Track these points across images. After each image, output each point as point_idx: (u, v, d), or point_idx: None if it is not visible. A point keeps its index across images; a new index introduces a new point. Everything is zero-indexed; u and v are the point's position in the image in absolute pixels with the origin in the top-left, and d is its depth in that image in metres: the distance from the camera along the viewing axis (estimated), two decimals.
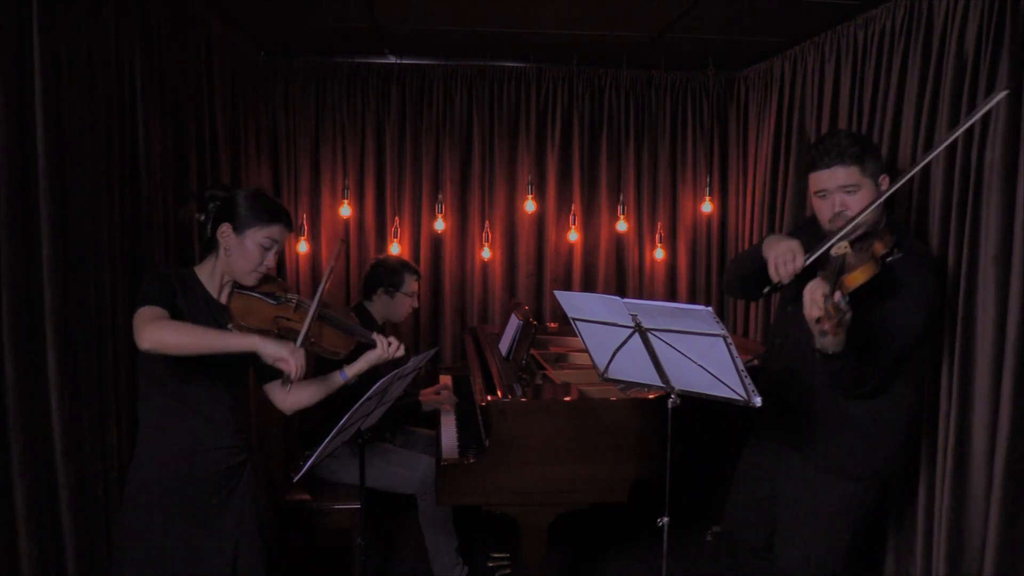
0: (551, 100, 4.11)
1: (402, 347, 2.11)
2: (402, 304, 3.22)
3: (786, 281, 1.91)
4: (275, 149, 3.97)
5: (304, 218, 3.99)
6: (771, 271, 1.93)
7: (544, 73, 4.08)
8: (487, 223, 4.15)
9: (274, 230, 1.96)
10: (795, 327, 2.10)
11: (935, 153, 1.95)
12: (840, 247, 1.80)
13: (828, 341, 1.67)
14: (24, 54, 1.91)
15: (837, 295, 1.62)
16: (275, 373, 2.02)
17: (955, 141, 2.34)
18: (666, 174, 4.23)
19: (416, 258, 4.14)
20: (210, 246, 1.99)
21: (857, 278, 1.73)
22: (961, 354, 2.30)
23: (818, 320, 1.64)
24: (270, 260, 1.98)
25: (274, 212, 1.97)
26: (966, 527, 2.31)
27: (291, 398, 2.13)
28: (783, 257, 1.90)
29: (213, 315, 1.96)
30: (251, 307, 1.98)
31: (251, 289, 2.01)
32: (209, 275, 2.00)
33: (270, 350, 1.78)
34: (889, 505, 2.67)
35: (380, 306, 3.20)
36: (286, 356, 1.78)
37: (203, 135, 2.95)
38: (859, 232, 1.89)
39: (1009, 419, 2.14)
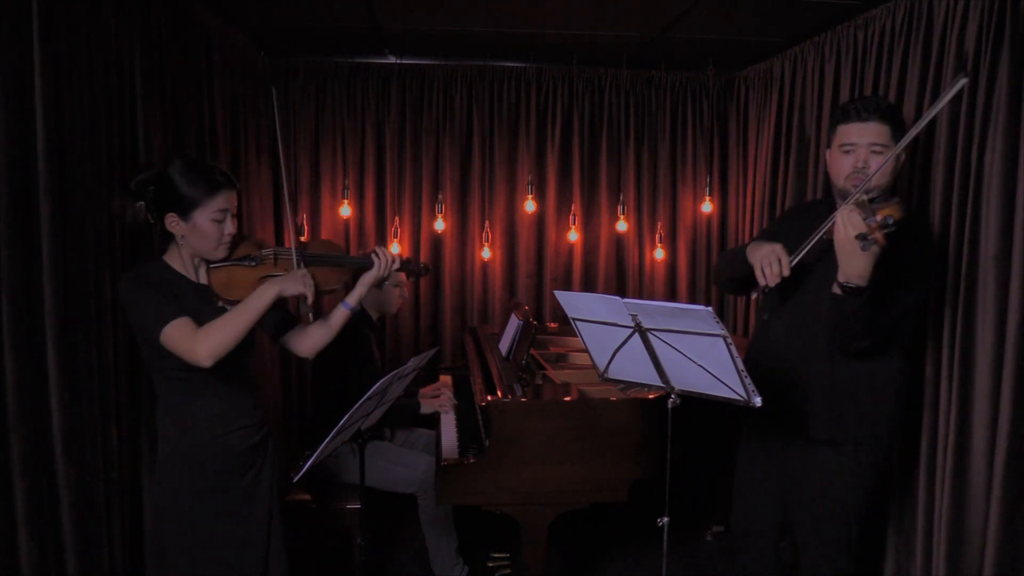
0: (551, 100, 4.11)
1: (399, 258, 2.11)
2: (390, 295, 3.25)
3: (772, 284, 1.94)
4: (275, 149, 3.97)
5: (304, 218, 3.99)
6: (758, 276, 1.95)
7: (544, 73, 4.08)
8: (487, 223, 4.15)
9: (219, 199, 1.89)
10: (786, 302, 2.14)
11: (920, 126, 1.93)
12: (860, 198, 1.82)
13: (865, 261, 1.75)
14: (24, 54, 1.91)
15: (879, 216, 1.69)
16: (285, 325, 2.09)
17: (955, 141, 2.34)
18: (666, 174, 4.23)
19: (416, 258, 4.14)
20: (167, 234, 1.92)
21: (894, 212, 1.74)
22: (961, 354, 2.30)
23: (860, 236, 1.70)
24: (229, 228, 1.92)
25: (211, 181, 1.88)
26: (966, 527, 2.31)
27: (307, 341, 2.13)
28: (767, 259, 1.93)
29: (201, 297, 1.92)
30: (233, 278, 1.94)
31: (225, 260, 1.96)
32: (180, 262, 1.95)
33: (290, 288, 1.86)
34: (889, 504, 2.67)
35: (371, 298, 3.20)
36: (303, 288, 1.86)
37: (203, 135, 2.95)
38: (872, 196, 1.90)
39: (1009, 419, 2.14)
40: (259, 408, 2.06)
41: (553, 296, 4.00)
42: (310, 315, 1.94)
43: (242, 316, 1.81)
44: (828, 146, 2.13)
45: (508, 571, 3.15)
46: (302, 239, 1.88)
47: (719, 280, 2.40)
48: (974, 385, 2.28)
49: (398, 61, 4.00)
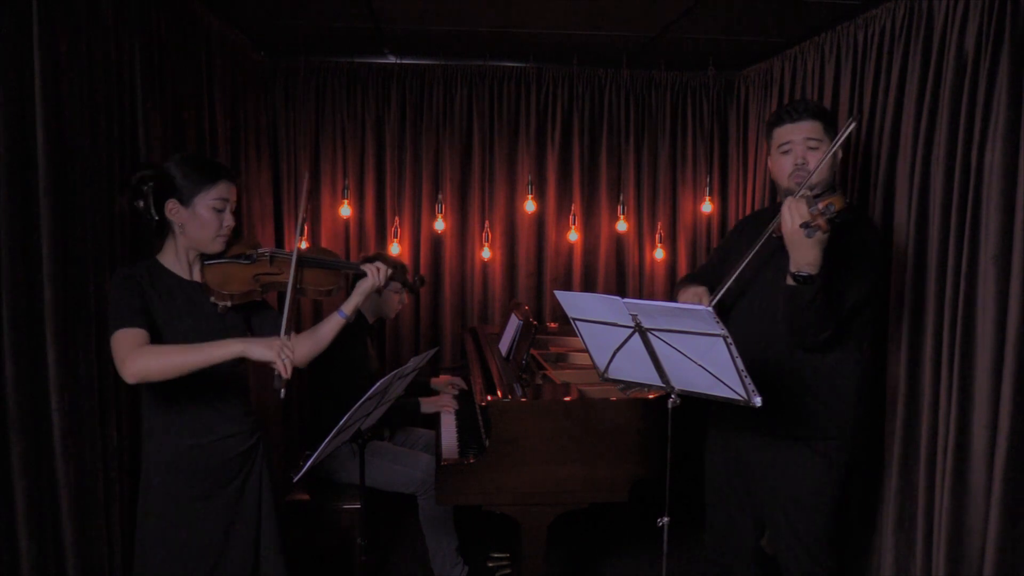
0: (551, 100, 4.11)
1: (389, 269, 2.08)
2: (390, 300, 3.25)
3: None
4: (275, 149, 3.97)
5: (304, 218, 3.99)
6: None
7: (544, 73, 4.08)
8: (487, 223, 4.15)
9: (220, 188, 1.89)
10: (747, 303, 2.20)
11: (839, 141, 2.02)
12: (803, 193, 1.90)
13: (813, 248, 1.81)
14: (24, 54, 1.91)
15: (822, 204, 1.79)
16: (275, 333, 1.98)
17: (955, 141, 2.34)
18: (666, 174, 4.23)
19: (416, 258, 4.14)
20: (163, 230, 1.91)
21: (835, 201, 1.84)
22: (961, 354, 2.30)
23: (804, 224, 1.77)
24: (228, 220, 1.91)
25: (213, 170, 1.90)
26: (966, 527, 2.31)
27: (298, 352, 2.01)
28: (689, 301, 2.09)
29: (190, 299, 1.90)
30: (227, 274, 1.93)
31: (220, 256, 1.95)
32: (174, 258, 1.93)
33: (256, 353, 1.73)
34: (889, 504, 2.67)
35: (370, 303, 3.20)
36: (272, 357, 1.73)
37: (203, 135, 2.95)
38: (815, 192, 2.00)
39: (1009, 419, 2.14)
40: (250, 415, 2.03)
41: (553, 296, 4.01)
42: (282, 391, 1.79)
43: (192, 356, 1.72)
44: (768, 153, 2.23)
45: (508, 571, 3.15)
46: (304, 245, 1.84)
47: None
48: (974, 385, 2.28)
49: (398, 61, 4.00)
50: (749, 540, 2.32)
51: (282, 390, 1.79)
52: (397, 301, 3.27)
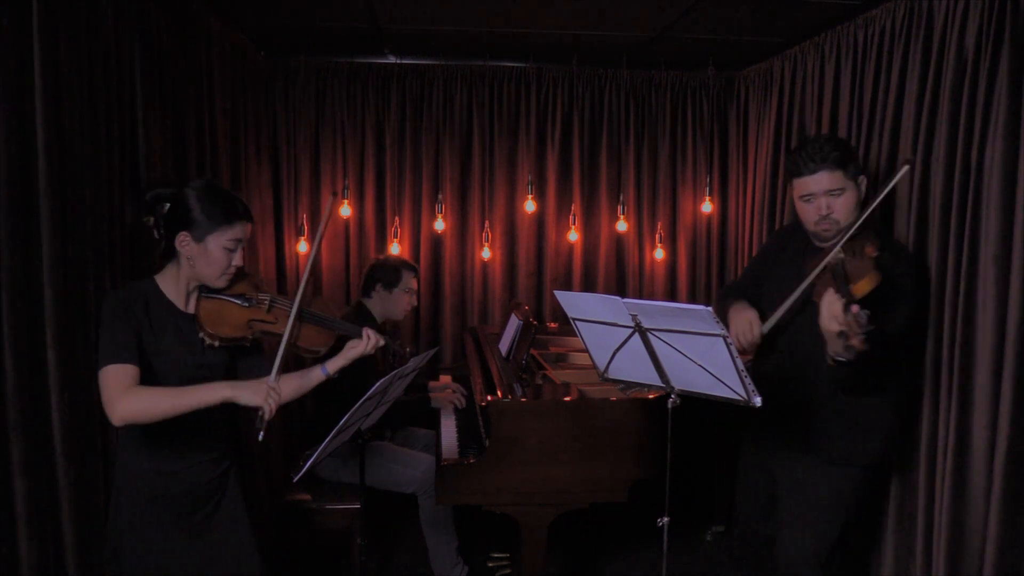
0: (551, 100, 4.11)
1: (381, 339, 2.05)
2: (400, 300, 3.21)
3: (750, 350, 2.09)
4: (275, 149, 3.97)
5: (304, 218, 3.99)
6: (733, 341, 2.04)
7: (544, 73, 4.08)
8: (487, 223, 4.15)
9: (237, 229, 1.86)
10: (790, 327, 2.20)
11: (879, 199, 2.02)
12: (835, 255, 1.89)
13: (852, 352, 1.74)
14: (24, 54, 1.91)
15: (855, 308, 1.68)
16: (254, 373, 1.97)
17: (955, 141, 2.34)
18: (666, 174, 4.23)
19: (416, 258, 4.14)
20: (169, 253, 1.88)
21: (864, 287, 1.79)
22: (961, 354, 2.30)
23: (840, 334, 1.72)
24: (237, 260, 1.88)
25: (232, 210, 1.86)
26: (966, 527, 2.31)
27: (283, 394, 1.98)
28: (741, 328, 2.10)
29: (180, 329, 1.87)
30: (222, 313, 1.89)
31: (219, 291, 1.91)
32: (173, 284, 1.89)
33: (245, 398, 1.73)
34: (889, 504, 2.67)
35: (379, 302, 3.20)
36: (260, 403, 1.74)
37: (203, 135, 2.95)
38: (848, 235, 1.97)
39: (1009, 419, 2.14)
40: (223, 441, 1.99)
41: (553, 296, 4.00)
42: (261, 433, 1.78)
43: (180, 400, 1.71)
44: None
45: (508, 571, 3.15)
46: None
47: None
48: (974, 385, 2.27)
49: (398, 61, 4.00)
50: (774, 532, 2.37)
51: (261, 432, 1.78)
52: (407, 301, 3.23)
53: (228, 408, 1.94)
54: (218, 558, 1.96)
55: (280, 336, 1.91)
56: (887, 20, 2.71)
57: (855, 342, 1.68)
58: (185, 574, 1.91)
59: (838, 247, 1.93)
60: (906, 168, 1.93)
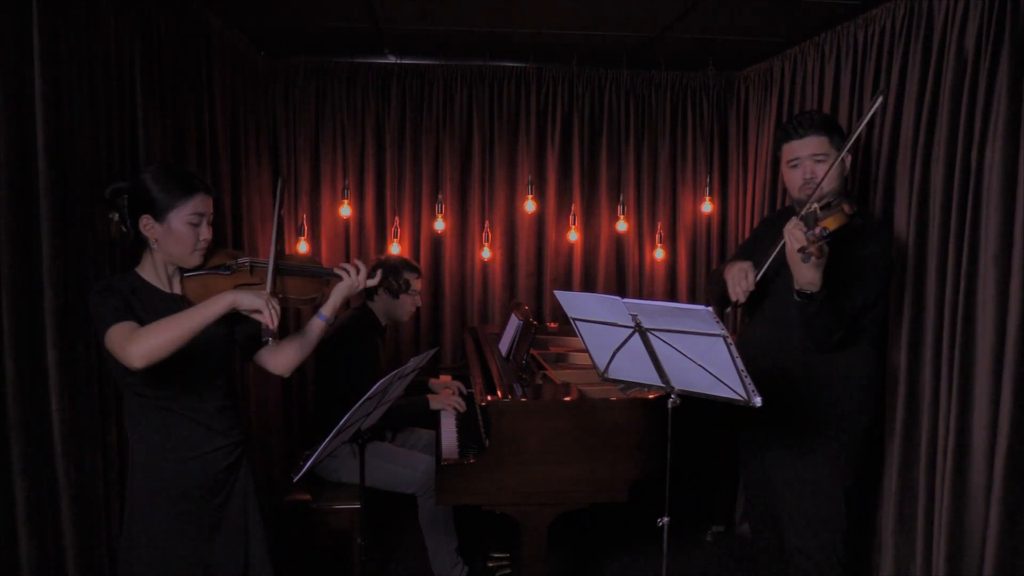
0: (551, 100, 4.11)
1: (366, 273, 2.06)
2: (405, 304, 3.19)
3: (743, 299, 2.15)
4: (275, 149, 3.97)
5: (304, 218, 4.00)
6: (729, 292, 2.17)
7: (544, 73, 4.08)
8: (487, 223, 4.15)
9: (196, 202, 1.84)
10: (764, 306, 2.33)
11: (863, 124, 2.09)
12: (811, 208, 1.99)
13: (811, 270, 1.90)
14: (24, 54, 1.91)
15: (818, 228, 1.85)
16: (256, 343, 1.98)
17: (955, 141, 2.34)
18: (666, 174, 4.23)
19: (416, 258, 4.13)
20: (140, 243, 1.87)
21: (830, 223, 1.90)
22: (961, 354, 2.30)
23: (800, 249, 1.85)
24: (205, 233, 1.87)
25: (188, 183, 1.84)
26: (966, 527, 2.31)
27: (281, 358, 2.07)
28: (736, 278, 2.15)
29: (172, 311, 1.85)
30: (207, 286, 1.90)
31: (199, 268, 1.91)
32: (153, 273, 1.89)
33: (245, 301, 1.73)
34: (889, 505, 2.67)
35: (382, 306, 3.18)
36: (261, 306, 1.74)
37: (203, 135, 2.95)
38: (824, 201, 2.05)
39: (1009, 419, 2.14)
40: (235, 428, 1.99)
41: (553, 296, 4.01)
42: (270, 340, 1.83)
43: (186, 321, 1.69)
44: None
45: (508, 571, 3.15)
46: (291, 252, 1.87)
47: (710, 298, 2.57)
48: (974, 385, 2.28)
49: (398, 61, 4.00)
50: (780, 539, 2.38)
51: (270, 340, 1.83)
52: (411, 304, 3.20)
53: (230, 393, 1.98)
54: (230, 548, 1.96)
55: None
56: (887, 20, 2.71)
57: (812, 249, 1.81)
58: (198, 564, 1.91)
59: (812, 201, 2.03)
60: (880, 99, 2.03)
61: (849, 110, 2.94)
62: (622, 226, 4.14)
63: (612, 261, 4.23)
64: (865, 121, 2.05)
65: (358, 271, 2.05)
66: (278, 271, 1.98)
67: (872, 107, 2.02)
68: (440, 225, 4.06)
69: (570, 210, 4.17)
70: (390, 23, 3.35)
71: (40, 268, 1.96)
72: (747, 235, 3.96)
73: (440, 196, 4.08)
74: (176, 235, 1.83)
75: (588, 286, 4.24)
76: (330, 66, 3.95)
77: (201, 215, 1.86)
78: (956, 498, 2.33)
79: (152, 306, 1.84)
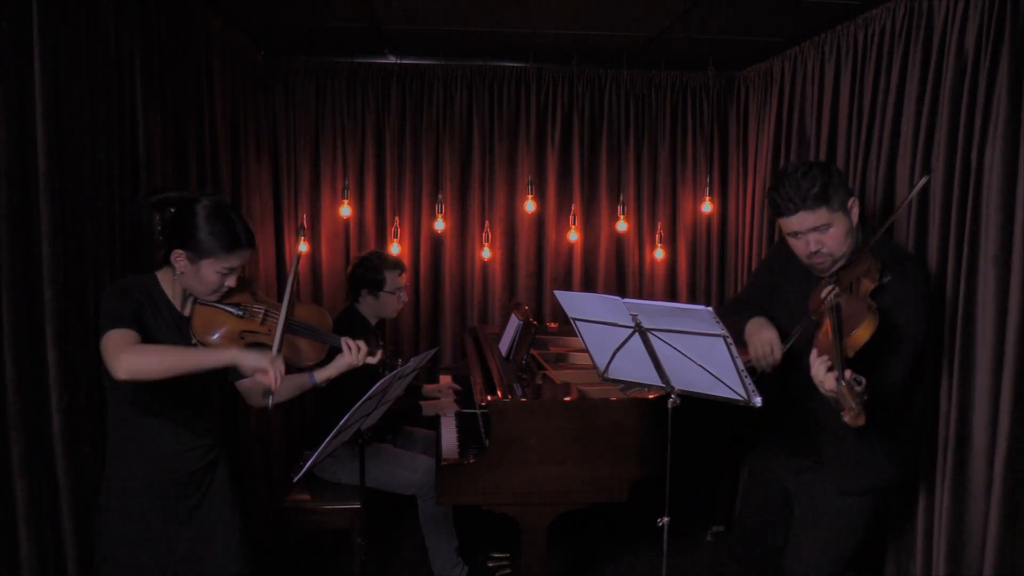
0: (551, 100, 4.11)
1: (366, 352, 2.04)
2: (388, 302, 3.17)
3: (768, 371, 2.02)
4: (275, 149, 3.97)
5: (304, 218, 3.99)
6: (753, 361, 2.01)
7: (544, 73, 4.08)
8: (487, 223, 4.15)
9: (233, 259, 1.85)
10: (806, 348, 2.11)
11: (896, 215, 2.02)
12: (829, 293, 1.81)
13: (849, 419, 1.60)
14: (24, 54, 1.91)
15: (848, 373, 1.58)
16: (242, 376, 1.99)
17: (955, 141, 2.34)
18: (666, 174, 4.23)
19: (416, 258, 4.14)
20: (168, 258, 1.90)
21: (861, 336, 1.70)
22: (961, 354, 2.30)
23: (835, 401, 1.61)
24: (230, 282, 1.88)
25: (234, 239, 1.85)
26: (966, 527, 2.31)
27: (257, 397, 2.10)
28: (762, 351, 2.00)
29: (179, 328, 1.91)
30: (215, 321, 1.89)
31: (215, 301, 1.93)
32: (170, 285, 1.93)
33: (249, 363, 1.73)
34: (890, 506, 2.67)
35: (368, 306, 3.17)
36: (266, 367, 1.72)
37: (203, 135, 2.95)
38: (840, 264, 1.93)
39: (1009, 419, 2.14)
40: (212, 431, 2.02)
41: (553, 296, 4.00)
42: (270, 400, 1.84)
43: (184, 360, 1.72)
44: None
45: (508, 571, 3.15)
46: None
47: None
48: (974, 385, 2.28)
49: (398, 61, 4.00)
50: (780, 543, 2.30)
51: (270, 399, 1.81)
52: (395, 300, 3.21)
53: (223, 396, 2.00)
54: (203, 546, 1.98)
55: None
56: (887, 20, 2.71)
57: (848, 417, 1.56)
58: (171, 559, 1.93)
59: (832, 287, 1.84)
60: (926, 179, 1.83)
61: (849, 110, 2.93)
62: (622, 226, 4.14)
63: (612, 261, 4.23)
64: (907, 201, 1.88)
65: (359, 351, 2.04)
66: (290, 330, 1.95)
67: (916, 187, 1.88)
68: (440, 225, 4.06)
69: (570, 210, 4.17)
70: (390, 23, 3.35)
71: (40, 268, 1.96)
72: (748, 234, 3.96)
73: (440, 196, 4.08)
74: (202, 279, 1.86)
75: (588, 286, 4.24)
76: (330, 66, 3.95)
77: (234, 269, 1.87)
78: (956, 498, 2.33)
79: (162, 319, 1.87)
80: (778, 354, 1.98)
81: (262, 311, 1.96)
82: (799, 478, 2.19)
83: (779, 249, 2.30)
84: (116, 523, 1.91)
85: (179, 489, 1.95)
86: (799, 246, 2.01)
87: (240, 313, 1.93)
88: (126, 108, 2.35)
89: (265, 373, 1.73)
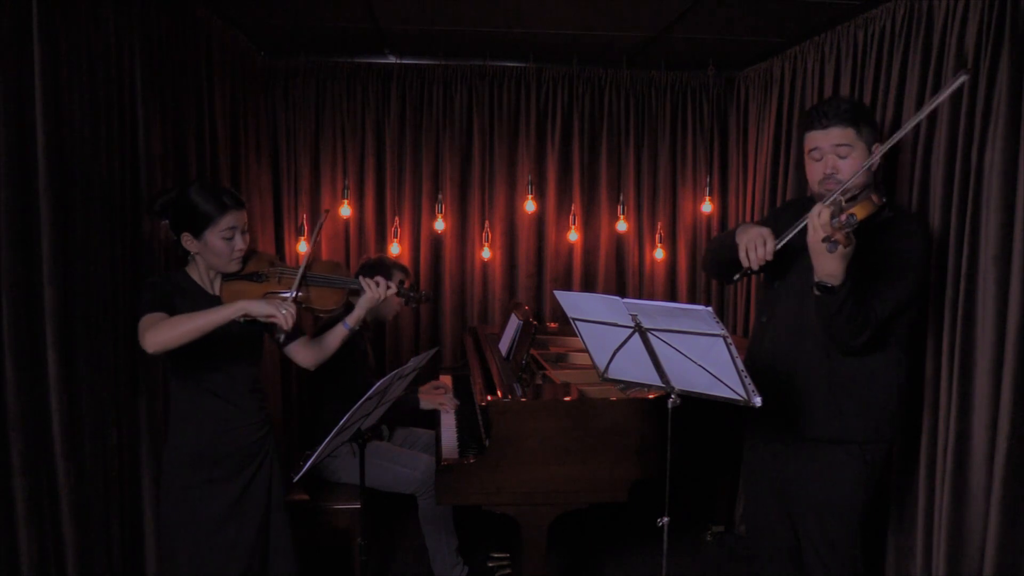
0: (551, 100, 4.11)
1: (392, 285, 2.24)
2: (389, 302, 3.16)
3: (755, 267, 1.95)
4: (275, 149, 3.97)
5: (304, 218, 3.99)
6: (741, 257, 1.97)
7: (544, 73, 4.08)
8: (487, 223, 4.15)
9: (227, 219, 2.03)
10: (782, 302, 2.17)
11: (913, 123, 1.91)
12: (835, 198, 1.85)
13: (834, 261, 1.75)
14: (24, 53, 1.91)
15: (844, 216, 1.70)
16: (293, 334, 2.19)
17: (955, 141, 2.34)
18: (666, 174, 4.23)
19: (416, 258, 4.14)
20: (186, 250, 2.09)
21: (859, 210, 1.78)
22: (961, 354, 2.30)
23: (826, 238, 1.71)
24: (239, 243, 2.06)
25: (218, 203, 2.03)
26: (966, 527, 2.31)
27: (305, 354, 2.28)
28: (754, 243, 1.94)
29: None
30: (239, 292, 2.09)
31: (237, 274, 2.12)
32: (199, 274, 2.11)
33: (258, 309, 1.89)
34: (889, 504, 2.67)
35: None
36: (274, 312, 1.89)
37: (203, 135, 2.95)
38: (850, 195, 1.92)
39: (1009, 419, 2.14)
40: (262, 409, 2.20)
41: (553, 296, 4.00)
42: (280, 337, 2.03)
43: (198, 321, 1.87)
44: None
45: (508, 571, 3.15)
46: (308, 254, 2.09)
47: (707, 264, 2.40)
48: (974, 385, 2.27)
49: (398, 61, 4.00)
50: (786, 541, 2.27)
51: (282, 336, 1.99)
52: (396, 303, 3.23)
53: (258, 377, 2.19)
54: (255, 518, 2.14)
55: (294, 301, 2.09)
56: (887, 20, 2.71)
57: (839, 236, 1.68)
58: (231, 530, 2.09)
59: (838, 193, 1.86)
60: (964, 77, 1.76)
61: None
62: (622, 226, 4.15)
63: (612, 261, 4.23)
64: (939, 100, 1.79)
65: (379, 286, 2.23)
66: (304, 281, 2.16)
67: (953, 84, 1.76)
68: (440, 225, 4.06)
69: (570, 210, 4.17)
70: (390, 23, 3.35)
71: (40, 268, 1.96)
72: None
73: (440, 196, 4.08)
74: (213, 249, 2.04)
75: (588, 286, 4.24)
76: (330, 66, 3.95)
77: (234, 229, 2.05)
78: (956, 498, 2.32)
79: (197, 306, 2.02)
80: (770, 246, 1.93)
81: (278, 273, 2.17)
82: (784, 471, 2.18)
83: (784, 204, 2.41)
84: (176, 492, 2.06)
85: (234, 459, 2.10)
86: (816, 169, 2.05)
87: (259, 279, 2.14)
88: (126, 108, 2.35)
89: (275, 317, 1.88)
